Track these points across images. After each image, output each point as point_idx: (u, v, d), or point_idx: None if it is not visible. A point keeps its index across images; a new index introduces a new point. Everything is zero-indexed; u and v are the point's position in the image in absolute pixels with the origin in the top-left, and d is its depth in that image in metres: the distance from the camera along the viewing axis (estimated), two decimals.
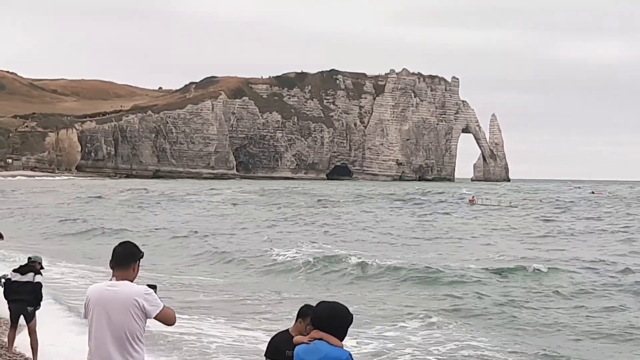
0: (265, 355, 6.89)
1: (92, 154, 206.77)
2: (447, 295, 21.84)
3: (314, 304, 6.10)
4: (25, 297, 12.69)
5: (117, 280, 6.47)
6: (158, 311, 6.38)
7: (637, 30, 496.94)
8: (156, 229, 43.80)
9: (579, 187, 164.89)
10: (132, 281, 6.50)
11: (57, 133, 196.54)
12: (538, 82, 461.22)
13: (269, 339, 7.18)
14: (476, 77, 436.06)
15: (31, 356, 12.96)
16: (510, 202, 78.86)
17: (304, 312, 6.88)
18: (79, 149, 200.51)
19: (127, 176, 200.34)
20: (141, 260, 6.65)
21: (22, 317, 12.85)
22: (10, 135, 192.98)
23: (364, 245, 36.64)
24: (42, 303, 12.98)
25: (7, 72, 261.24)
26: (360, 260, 27.89)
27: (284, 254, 30.54)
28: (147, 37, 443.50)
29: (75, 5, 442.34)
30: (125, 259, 6.57)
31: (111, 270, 6.56)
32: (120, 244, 6.72)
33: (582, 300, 21.12)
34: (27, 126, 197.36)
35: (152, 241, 36.89)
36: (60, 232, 42.30)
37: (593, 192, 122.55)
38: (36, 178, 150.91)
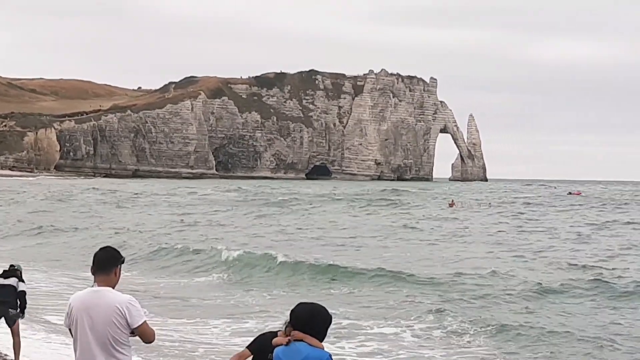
0: (248, 347, 6.47)
1: (71, 154, 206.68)
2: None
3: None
4: (8, 299, 12.71)
5: (99, 285, 6.58)
6: (140, 322, 6.49)
7: (609, 31, 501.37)
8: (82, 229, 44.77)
9: (555, 187, 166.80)
10: (114, 287, 6.63)
11: (36, 132, 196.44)
12: (515, 82, 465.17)
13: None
14: (454, 77, 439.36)
15: (13, 357, 13.00)
16: (490, 204, 79.38)
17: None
18: (58, 149, 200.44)
19: (106, 176, 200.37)
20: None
21: (3, 319, 12.89)
22: None
23: (298, 244, 37.56)
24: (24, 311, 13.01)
25: None
26: (283, 259, 28.85)
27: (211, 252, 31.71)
28: (126, 37, 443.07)
29: (54, 4, 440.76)
30: (107, 263, 6.66)
31: (92, 276, 6.69)
32: (101, 249, 6.85)
33: None
34: (5, 125, 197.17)
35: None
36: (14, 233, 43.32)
37: (570, 193, 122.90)
38: (14, 178, 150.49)
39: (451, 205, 77.49)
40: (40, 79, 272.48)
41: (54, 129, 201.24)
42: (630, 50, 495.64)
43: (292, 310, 5.83)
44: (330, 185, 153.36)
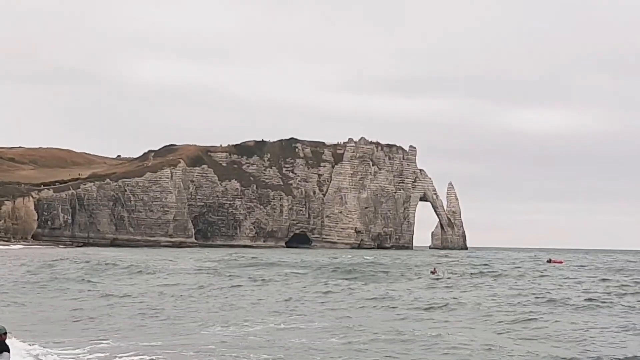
0: None
1: (49, 223, 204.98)
2: None
3: None
4: None
5: None
6: None
7: (577, 100, 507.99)
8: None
9: (534, 255, 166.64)
10: None
11: (14, 201, 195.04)
12: (492, 150, 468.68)
13: None
14: (432, 145, 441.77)
15: None
16: (471, 274, 78.85)
17: None
18: (36, 218, 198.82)
19: (85, 245, 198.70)
20: None
21: None
22: None
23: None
24: None
25: None
26: None
27: None
28: (105, 105, 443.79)
29: (31, 72, 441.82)
30: None
31: None
32: None
33: None
34: None
35: None
36: None
37: (549, 261, 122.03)
38: None
39: (433, 272, 77.42)
40: (19, 147, 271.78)
41: (32, 197, 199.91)
42: (601, 118, 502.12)
43: None
44: (308, 254, 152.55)
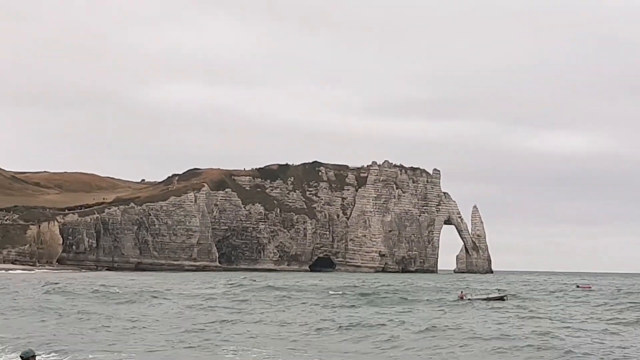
0: None
1: (74, 247, 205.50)
2: None
3: None
4: None
5: None
6: None
7: (602, 122, 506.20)
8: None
9: (560, 279, 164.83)
10: None
11: (39, 226, 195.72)
12: (517, 173, 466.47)
13: None
14: (456, 168, 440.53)
15: None
16: (505, 296, 77.75)
17: None
18: (60, 242, 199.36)
19: (109, 269, 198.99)
20: None
21: None
22: None
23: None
24: None
25: None
26: None
27: None
28: (129, 130, 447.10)
29: (56, 97, 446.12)
30: None
31: None
32: None
33: None
34: (8, 219, 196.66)
35: None
36: None
37: (578, 286, 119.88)
38: (11, 272, 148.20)
39: (461, 297, 76.42)
40: (44, 172, 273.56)
41: (57, 222, 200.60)
42: (627, 140, 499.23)
43: None
44: (333, 277, 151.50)
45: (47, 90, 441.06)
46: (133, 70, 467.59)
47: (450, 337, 37.98)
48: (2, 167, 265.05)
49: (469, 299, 74.08)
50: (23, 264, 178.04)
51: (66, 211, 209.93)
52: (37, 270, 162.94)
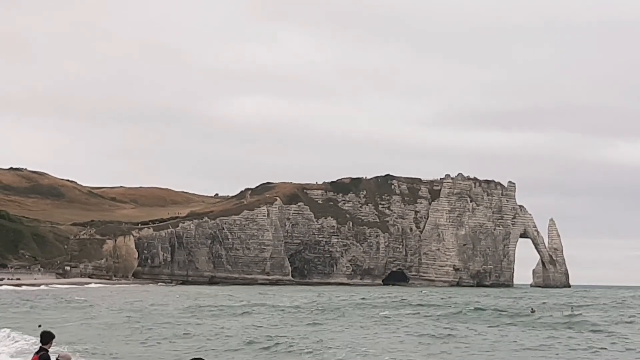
0: None
1: (149, 261, 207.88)
2: None
3: None
4: None
5: None
6: None
7: None
8: None
9: None
10: None
11: (115, 240, 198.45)
12: (594, 185, 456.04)
13: None
14: (531, 181, 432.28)
15: None
16: (572, 310, 75.56)
17: None
18: (136, 256, 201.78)
19: (183, 283, 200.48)
20: None
21: None
22: (69, 242, 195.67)
23: None
24: None
25: (67, 180, 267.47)
26: None
27: None
28: (203, 144, 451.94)
29: (130, 112, 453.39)
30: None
31: None
32: None
33: None
34: (85, 234, 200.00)
35: None
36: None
37: None
38: (87, 286, 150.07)
39: (533, 312, 74.31)
40: (120, 187, 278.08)
41: (133, 236, 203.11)
42: None
43: None
44: (409, 291, 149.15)
45: (123, 107, 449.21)
46: (207, 85, 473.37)
47: None
48: (79, 183, 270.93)
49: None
50: (99, 278, 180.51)
51: (141, 226, 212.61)
52: (113, 286, 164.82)
